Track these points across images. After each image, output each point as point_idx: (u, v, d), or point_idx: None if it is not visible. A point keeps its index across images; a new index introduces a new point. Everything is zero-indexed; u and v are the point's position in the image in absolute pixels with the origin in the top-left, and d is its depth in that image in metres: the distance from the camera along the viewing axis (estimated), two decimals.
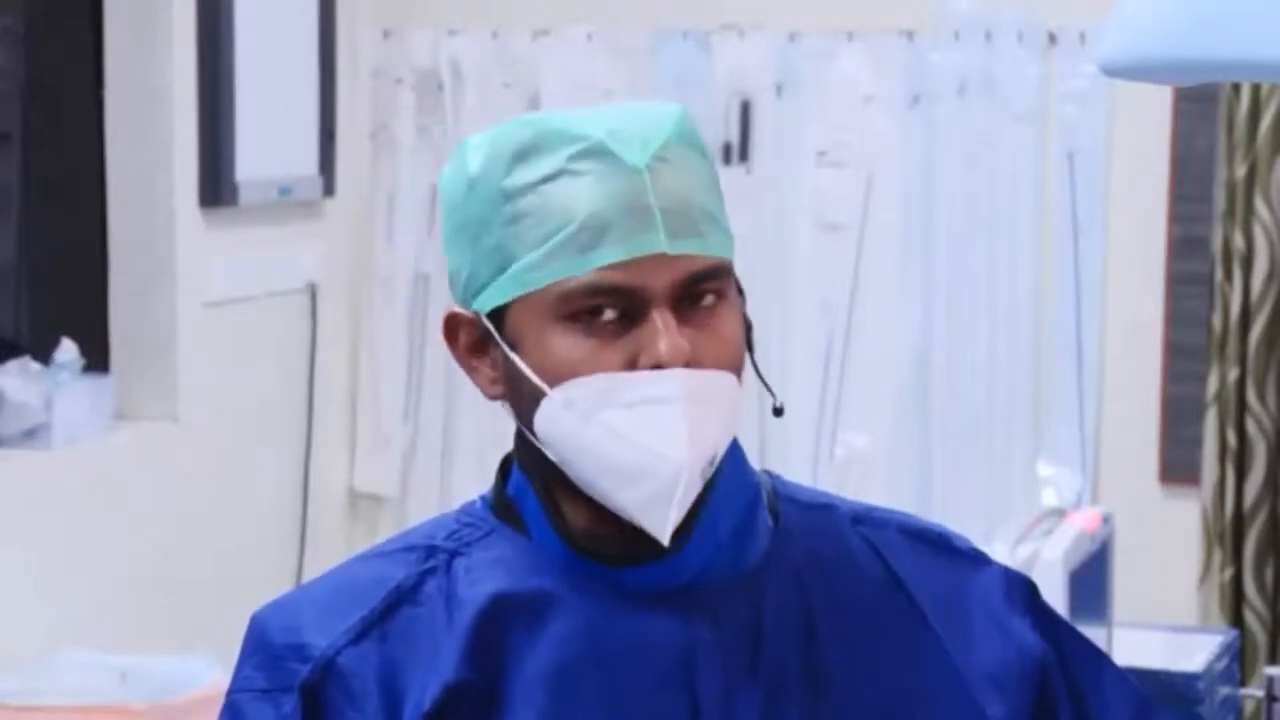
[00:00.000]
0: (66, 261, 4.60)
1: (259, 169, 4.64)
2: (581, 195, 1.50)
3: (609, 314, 1.50)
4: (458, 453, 5.05)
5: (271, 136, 4.71)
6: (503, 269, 1.52)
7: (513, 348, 1.53)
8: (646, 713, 1.54)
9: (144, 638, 4.27)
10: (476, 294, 1.54)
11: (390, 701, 1.54)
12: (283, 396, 4.86)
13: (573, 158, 1.51)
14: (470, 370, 1.58)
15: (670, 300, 1.50)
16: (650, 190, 1.50)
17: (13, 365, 4.21)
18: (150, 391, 4.52)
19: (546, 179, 1.51)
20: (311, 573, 4.53)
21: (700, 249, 1.51)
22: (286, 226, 4.84)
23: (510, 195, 1.52)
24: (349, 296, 5.10)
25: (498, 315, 1.54)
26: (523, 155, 1.52)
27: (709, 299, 1.52)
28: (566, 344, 1.50)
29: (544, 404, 1.51)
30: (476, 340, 1.57)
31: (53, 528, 4.16)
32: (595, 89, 4.80)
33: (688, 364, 1.49)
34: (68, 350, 4.26)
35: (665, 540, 1.51)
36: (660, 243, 1.49)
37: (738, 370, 1.54)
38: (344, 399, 5.10)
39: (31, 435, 4.18)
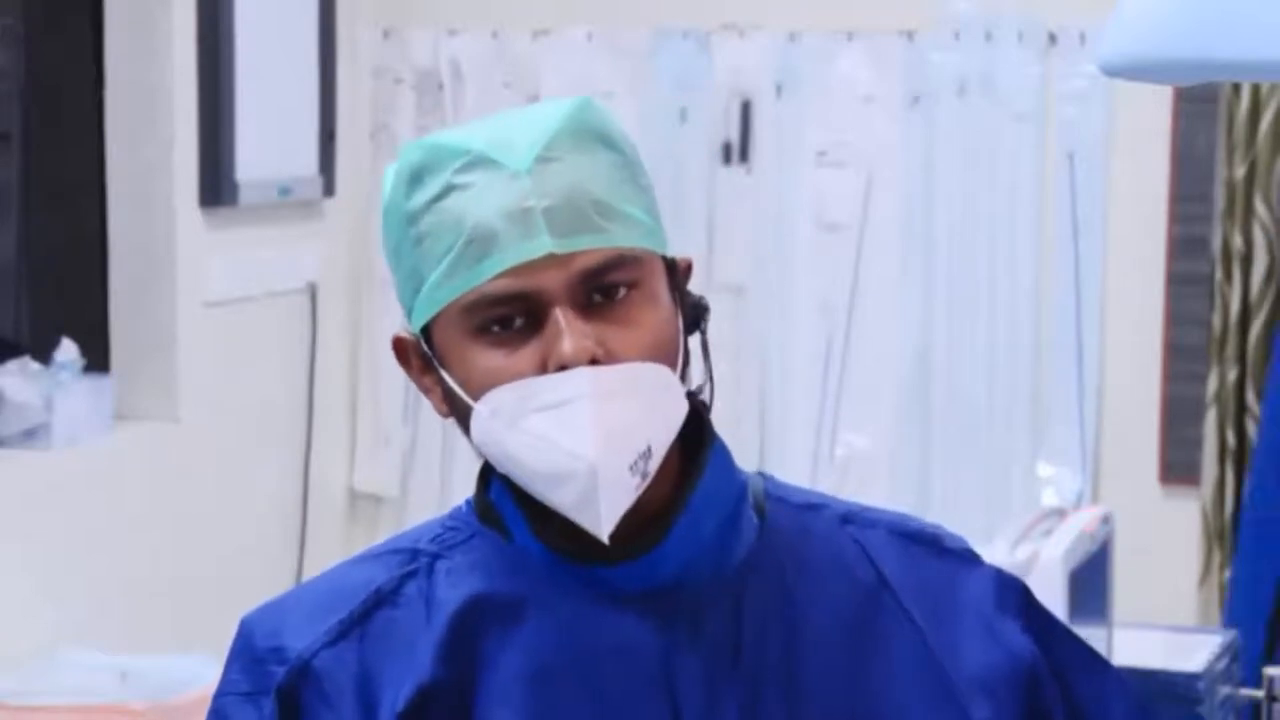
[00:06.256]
0: (66, 261, 4.60)
1: (259, 169, 4.64)
2: (469, 208, 1.50)
3: (517, 321, 1.50)
4: (458, 453, 5.04)
5: (271, 136, 4.71)
6: (418, 291, 1.53)
7: (442, 365, 1.54)
8: (626, 714, 1.53)
9: (144, 638, 4.27)
10: (408, 316, 1.56)
11: (366, 702, 1.54)
12: (283, 396, 4.86)
13: (457, 171, 1.51)
14: (425, 391, 1.59)
15: (570, 299, 1.49)
16: (532, 193, 1.50)
17: (13, 365, 4.22)
18: (150, 391, 4.52)
19: (438, 197, 1.52)
20: (311, 573, 4.51)
21: (596, 243, 1.50)
22: (286, 226, 4.84)
23: (412, 218, 1.53)
24: (349, 296, 5.09)
25: (428, 335, 1.55)
26: (417, 177, 1.53)
27: (620, 291, 1.51)
28: (481, 355, 1.51)
29: (473, 417, 1.52)
30: (423, 361, 1.57)
31: (53, 528, 4.15)
32: (595, 89, 4.79)
33: (595, 360, 1.48)
34: (68, 350, 4.26)
35: (604, 538, 1.50)
36: (545, 244, 1.49)
37: (668, 358, 1.52)
38: (344, 399, 5.10)
39: (31, 435, 4.18)
